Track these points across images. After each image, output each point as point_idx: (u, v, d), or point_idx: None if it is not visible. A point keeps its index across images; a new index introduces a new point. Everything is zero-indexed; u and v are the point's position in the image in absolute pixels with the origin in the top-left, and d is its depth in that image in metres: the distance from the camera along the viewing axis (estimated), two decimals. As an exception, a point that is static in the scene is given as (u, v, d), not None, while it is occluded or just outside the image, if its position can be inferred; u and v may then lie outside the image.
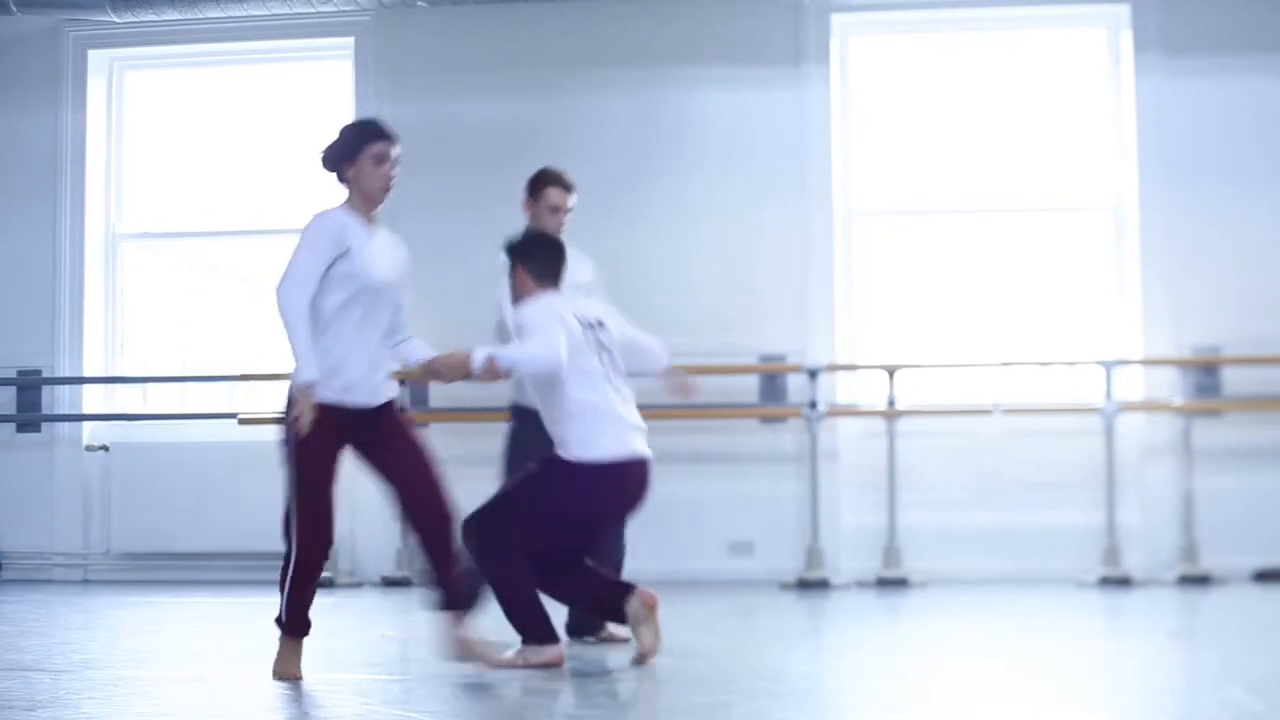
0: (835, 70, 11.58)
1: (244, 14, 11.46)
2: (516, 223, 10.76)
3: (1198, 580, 10.64)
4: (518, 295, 7.00)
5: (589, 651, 7.38)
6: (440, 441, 11.41)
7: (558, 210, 8.18)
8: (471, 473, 11.43)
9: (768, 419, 11.10)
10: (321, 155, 7.02)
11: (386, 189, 7.04)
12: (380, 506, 11.37)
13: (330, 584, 10.99)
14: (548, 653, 6.65)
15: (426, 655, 7.46)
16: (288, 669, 6.60)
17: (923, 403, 11.21)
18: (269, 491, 11.54)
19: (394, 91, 11.86)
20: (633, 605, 6.61)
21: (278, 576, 6.67)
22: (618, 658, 7.00)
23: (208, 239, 12.56)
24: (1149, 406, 11.11)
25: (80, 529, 11.87)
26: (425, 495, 7.00)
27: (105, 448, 11.86)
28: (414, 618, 9.53)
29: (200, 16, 11.50)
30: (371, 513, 11.47)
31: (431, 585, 6.70)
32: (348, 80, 12.05)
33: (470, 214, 11.64)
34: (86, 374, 12.02)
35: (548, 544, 6.74)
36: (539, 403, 6.89)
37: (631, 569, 10.98)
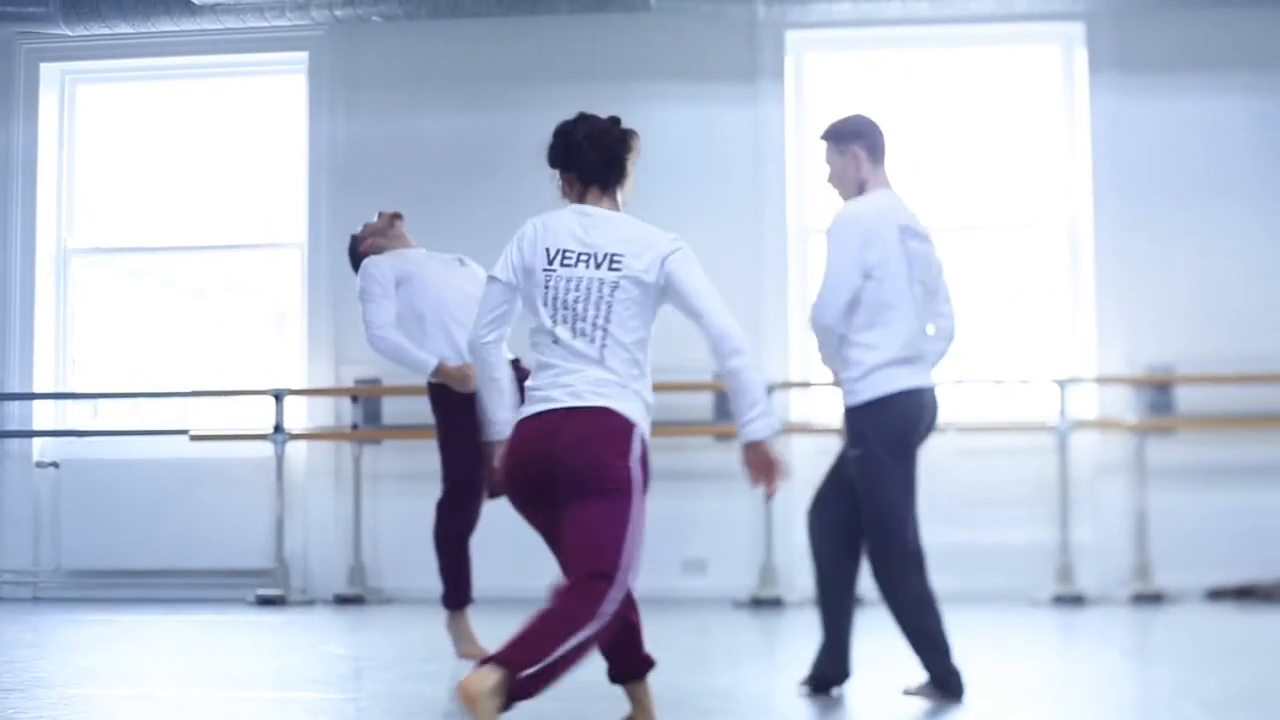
0: (790, 87, 11.59)
1: (197, 28, 11.40)
2: (471, 237, 10.72)
3: (1151, 598, 10.66)
4: None
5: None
6: (394, 459, 11.43)
7: None
8: (421, 489, 11.47)
9: (721, 436, 11.08)
10: None
11: None
12: (332, 524, 11.41)
13: (282, 601, 10.94)
14: None
15: (379, 673, 7.44)
16: None
17: (877, 420, 11.19)
18: (221, 508, 11.58)
19: (348, 106, 11.83)
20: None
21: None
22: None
23: (160, 254, 12.48)
24: (1102, 424, 11.13)
25: (30, 546, 11.77)
26: None
27: (55, 464, 11.77)
28: (366, 635, 9.51)
29: (153, 30, 11.43)
30: (324, 530, 11.47)
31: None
32: (302, 95, 12.01)
33: (424, 229, 11.58)
34: (36, 389, 11.93)
35: None
36: None
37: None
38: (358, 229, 8.33)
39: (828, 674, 6.63)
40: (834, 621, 6.70)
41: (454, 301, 7.83)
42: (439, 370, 7.78)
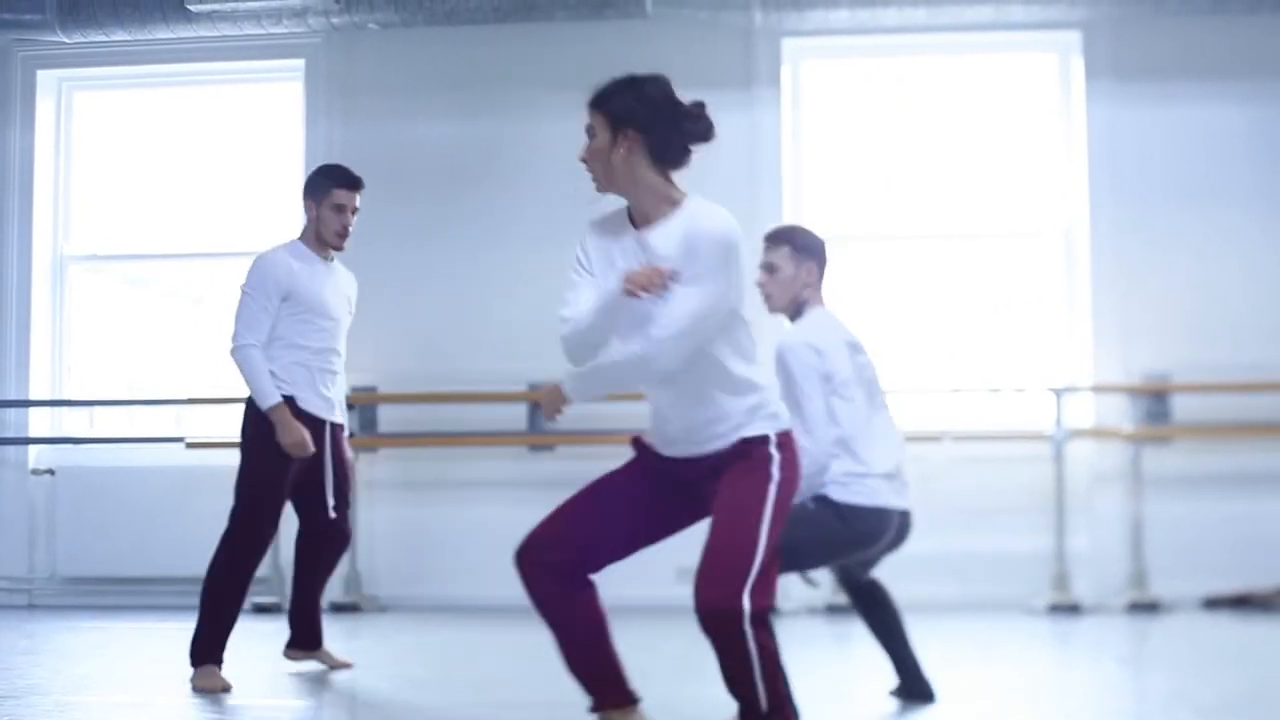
0: (787, 95, 11.59)
1: (194, 35, 11.41)
2: (469, 242, 10.74)
3: (1147, 607, 10.66)
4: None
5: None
6: (391, 467, 11.42)
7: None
8: (417, 497, 11.46)
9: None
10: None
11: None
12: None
13: (278, 609, 10.93)
14: None
15: (375, 682, 7.43)
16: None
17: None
18: (217, 516, 11.54)
19: (344, 113, 11.83)
20: None
21: None
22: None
23: (156, 261, 12.49)
24: (1099, 433, 11.13)
25: (25, 553, 11.76)
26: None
27: (51, 471, 11.76)
28: (360, 643, 9.49)
29: (150, 37, 11.44)
30: (320, 537, 11.45)
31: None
32: (298, 102, 12.01)
33: (421, 236, 11.62)
34: (32, 396, 11.93)
35: None
36: None
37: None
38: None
39: (912, 697, 6.61)
40: (886, 644, 6.69)
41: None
42: None
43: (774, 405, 5.15)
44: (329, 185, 7.61)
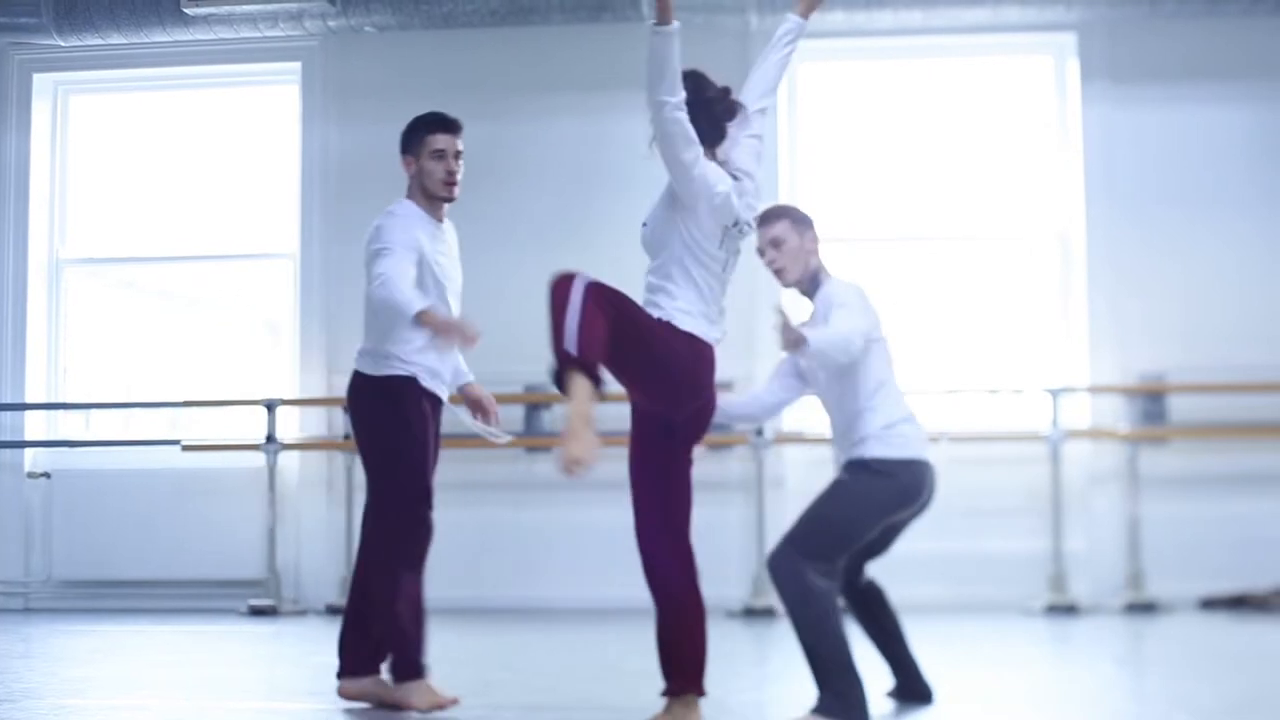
0: (783, 97, 11.59)
1: (190, 38, 11.41)
2: (465, 245, 10.75)
3: (1144, 607, 10.66)
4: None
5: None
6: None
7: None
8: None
9: (714, 446, 11.07)
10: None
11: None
12: (324, 534, 11.40)
13: (274, 612, 10.93)
14: None
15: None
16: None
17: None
18: (213, 518, 11.57)
19: (341, 116, 11.83)
20: None
21: None
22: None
23: (152, 264, 12.48)
24: (1095, 434, 11.14)
25: (21, 556, 11.75)
26: None
27: (47, 474, 11.76)
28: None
29: (146, 40, 11.44)
30: (316, 539, 11.46)
31: None
32: (295, 105, 12.01)
33: (417, 240, 11.62)
34: (28, 400, 11.92)
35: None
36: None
37: (577, 597, 10.97)
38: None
39: (910, 698, 6.60)
40: (884, 646, 6.68)
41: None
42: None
43: None
44: (423, 133, 6.97)
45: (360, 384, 6.81)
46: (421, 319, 6.36)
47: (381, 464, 6.66)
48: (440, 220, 6.96)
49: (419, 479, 6.59)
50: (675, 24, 5.62)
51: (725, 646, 8.87)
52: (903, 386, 6.50)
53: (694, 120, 5.69)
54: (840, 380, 6.35)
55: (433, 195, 6.92)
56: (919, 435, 6.43)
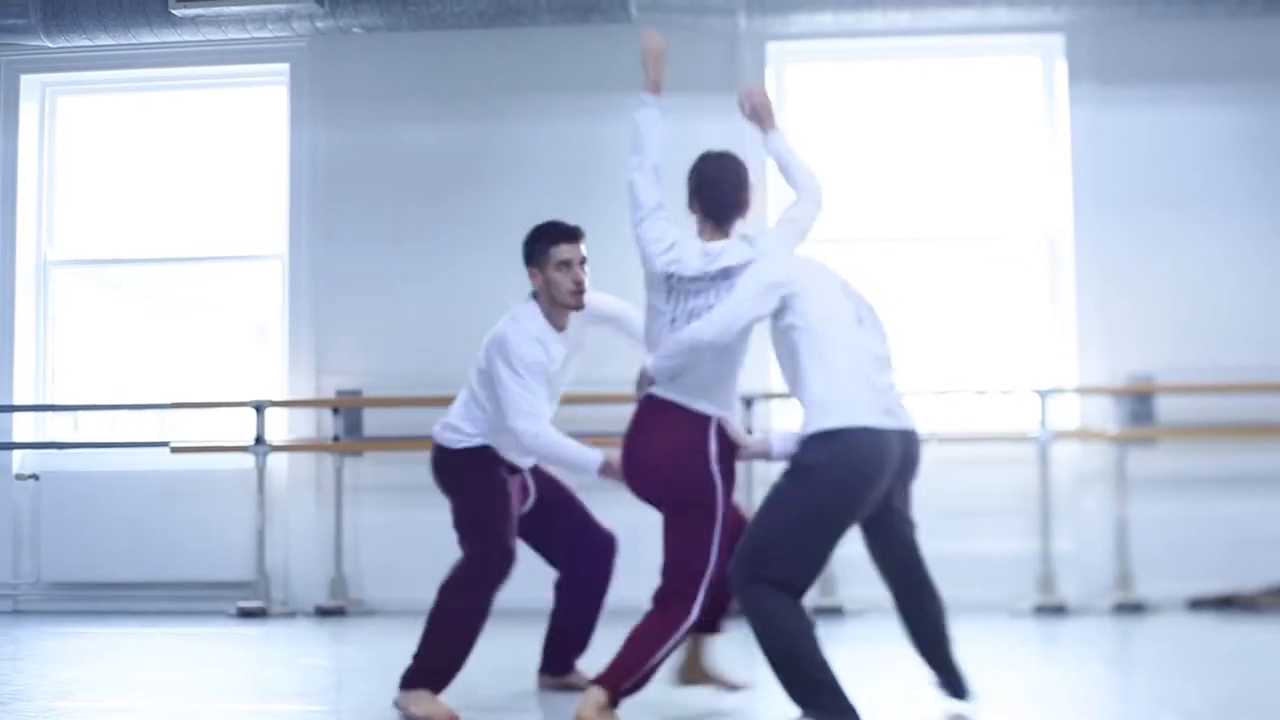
0: (772, 98, 11.57)
1: (178, 39, 11.39)
2: (453, 246, 10.74)
3: (1132, 608, 10.67)
4: None
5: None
6: (376, 470, 11.42)
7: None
8: (403, 500, 11.45)
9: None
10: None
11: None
12: (314, 536, 11.39)
13: (263, 614, 10.92)
14: None
15: (360, 685, 7.41)
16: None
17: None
18: (202, 520, 11.56)
19: (329, 118, 11.82)
20: None
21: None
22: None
23: (141, 266, 12.44)
24: (1083, 435, 11.15)
25: (10, 558, 11.73)
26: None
27: (35, 476, 11.74)
28: (347, 648, 9.49)
29: (134, 42, 11.42)
30: (305, 541, 11.45)
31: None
32: (283, 106, 11.99)
33: (405, 240, 11.62)
34: (16, 401, 11.90)
35: None
36: None
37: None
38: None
39: (950, 694, 6.52)
40: (919, 644, 6.56)
41: None
42: None
43: None
44: (546, 244, 6.96)
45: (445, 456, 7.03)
46: (605, 472, 6.61)
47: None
48: (563, 329, 6.97)
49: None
50: (657, 97, 6.45)
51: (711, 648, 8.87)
52: (874, 352, 6.18)
53: (700, 201, 6.39)
54: (783, 361, 6.22)
55: (562, 305, 6.94)
56: (864, 400, 5.99)
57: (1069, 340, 11.36)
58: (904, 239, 11.71)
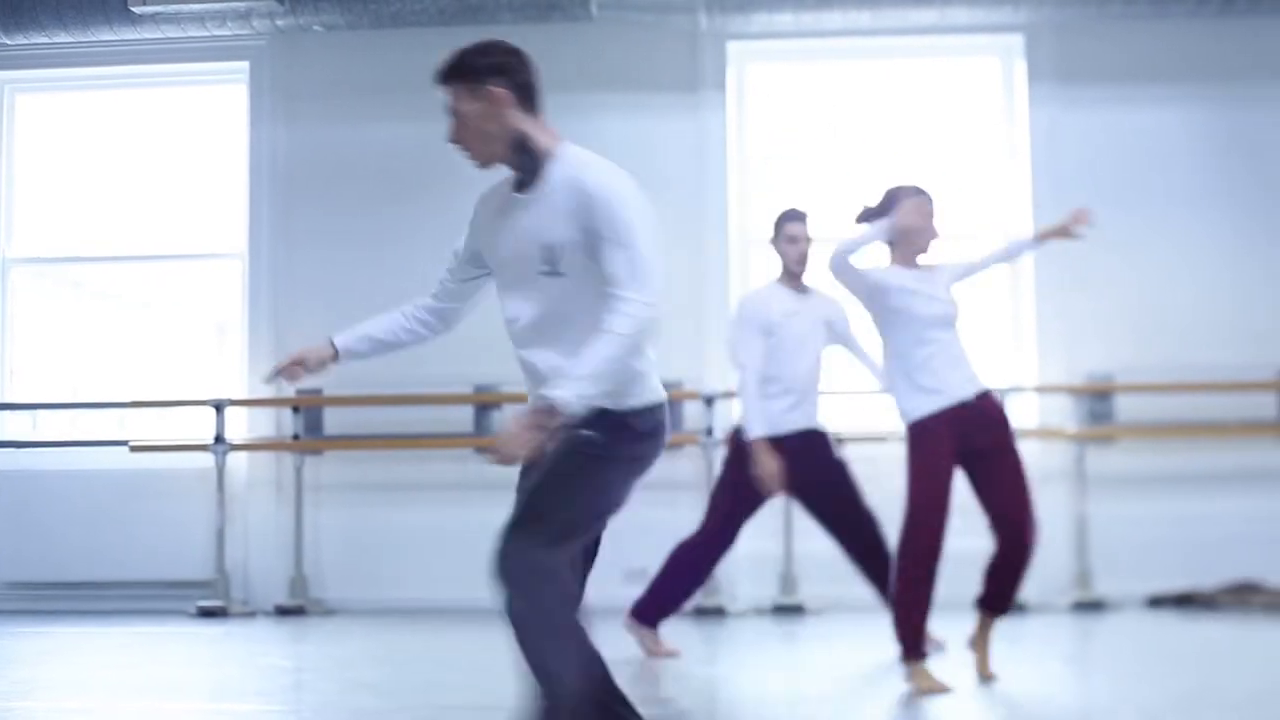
0: (732, 98, 11.61)
1: (137, 37, 11.35)
2: (414, 246, 10.73)
3: (1091, 606, 10.71)
4: None
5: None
6: (336, 469, 11.40)
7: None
8: (364, 499, 11.44)
9: (673, 445, 11.06)
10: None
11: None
12: (274, 535, 11.36)
13: (223, 613, 10.89)
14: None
15: (320, 684, 7.39)
16: (927, 685, 7.00)
17: (819, 429, 11.20)
18: (161, 519, 11.52)
19: (289, 116, 11.79)
20: None
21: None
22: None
23: (99, 264, 12.40)
24: (1043, 433, 11.18)
25: (-32, 558, 11.69)
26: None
27: (-7, 475, 11.70)
28: (306, 647, 9.47)
29: (93, 39, 11.37)
30: (264, 540, 11.43)
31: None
32: (243, 104, 11.95)
33: (366, 239, 11.60)
34: (-26, 400, 11.86)
35: None
36: None
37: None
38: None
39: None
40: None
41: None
42: None
43: None
44: (779, 223, 8.73)
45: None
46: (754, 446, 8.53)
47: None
48: (798, 290, 8.75)
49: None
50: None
51: (675, 646, 8.88)
52: None
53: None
54: None
55: (791, 273, 8.74)
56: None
57: (1028, 339, 11.39)
58: (864, 238, 11.71)
